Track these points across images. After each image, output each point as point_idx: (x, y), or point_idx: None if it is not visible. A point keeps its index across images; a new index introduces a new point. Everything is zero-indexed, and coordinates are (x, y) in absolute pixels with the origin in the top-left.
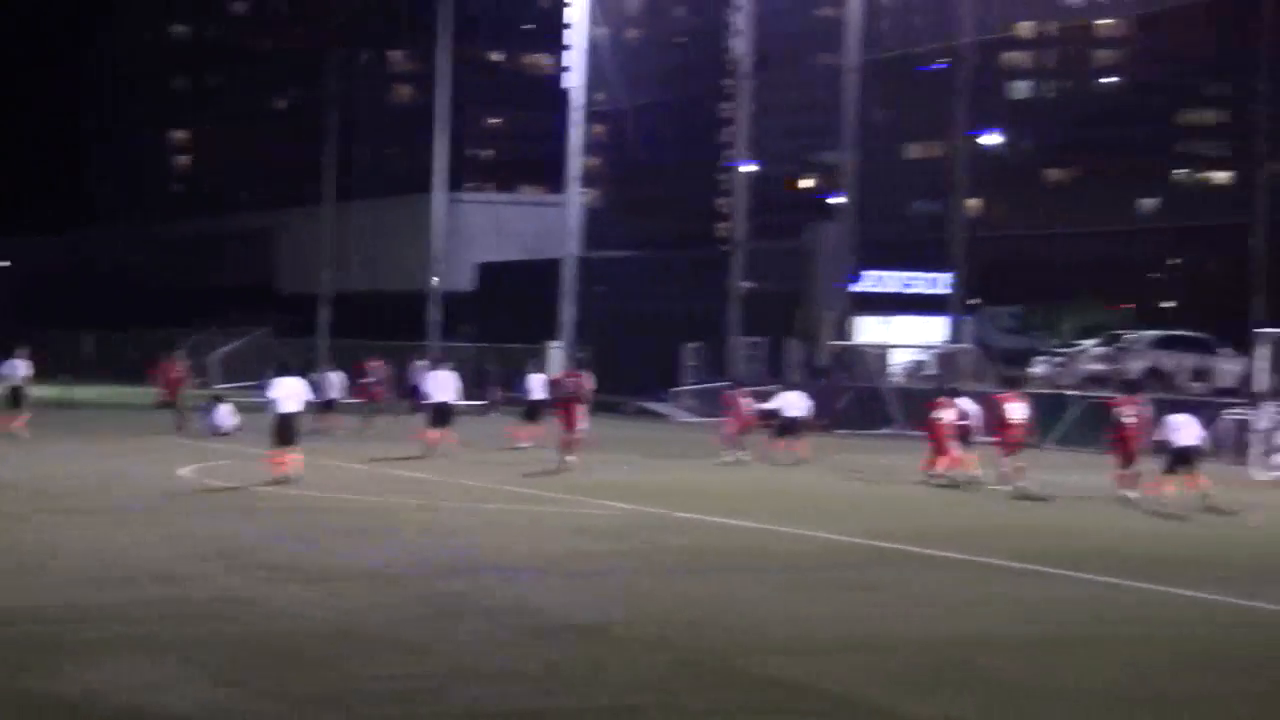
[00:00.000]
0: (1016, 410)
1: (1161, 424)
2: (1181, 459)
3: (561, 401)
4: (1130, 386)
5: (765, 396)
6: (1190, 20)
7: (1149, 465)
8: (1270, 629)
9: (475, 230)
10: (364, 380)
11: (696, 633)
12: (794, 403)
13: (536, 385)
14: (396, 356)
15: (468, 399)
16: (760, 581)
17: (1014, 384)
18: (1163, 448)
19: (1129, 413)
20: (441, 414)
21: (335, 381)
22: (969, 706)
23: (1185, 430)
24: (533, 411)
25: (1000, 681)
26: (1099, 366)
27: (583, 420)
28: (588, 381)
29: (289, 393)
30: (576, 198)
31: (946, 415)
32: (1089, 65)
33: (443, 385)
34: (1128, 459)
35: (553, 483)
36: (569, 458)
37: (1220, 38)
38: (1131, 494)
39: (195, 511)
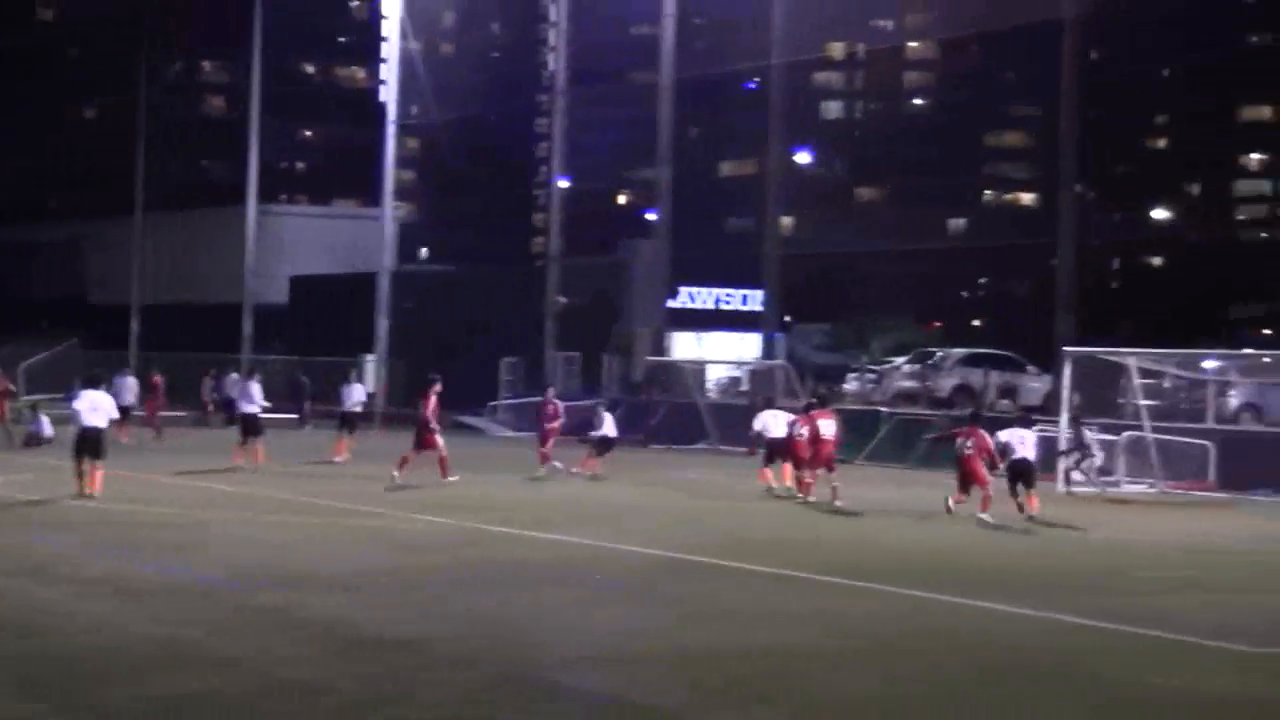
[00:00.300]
0: (828, 427)
1: (1000, 441)
2: (1020, 473)
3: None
4: (973, 418)
5: (591, 414)
6: (997, 44)
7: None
8: (1072, 638)
9: (289, 243)
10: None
11: (513, 646)
12: (610, 423)
13: (354, 397)
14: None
15: (282, 412)
16: (576, 595)
17: (825, 401)
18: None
19: (968, 443)
20: (250, 425)
21: (129, 386)
22: (779, 718)
23: (1023, 445)
24: (350, 424)
25: (808, 693)
26: (910, 383)
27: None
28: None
29: (92, 405)
30: (391, 211)
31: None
32: (899, 87)
33: (251, 397)
34: (970, 485)
35: (369, 496)
36: (442, 476)
37: (1026, 61)
38: (986, 517)
39: (2, 525)
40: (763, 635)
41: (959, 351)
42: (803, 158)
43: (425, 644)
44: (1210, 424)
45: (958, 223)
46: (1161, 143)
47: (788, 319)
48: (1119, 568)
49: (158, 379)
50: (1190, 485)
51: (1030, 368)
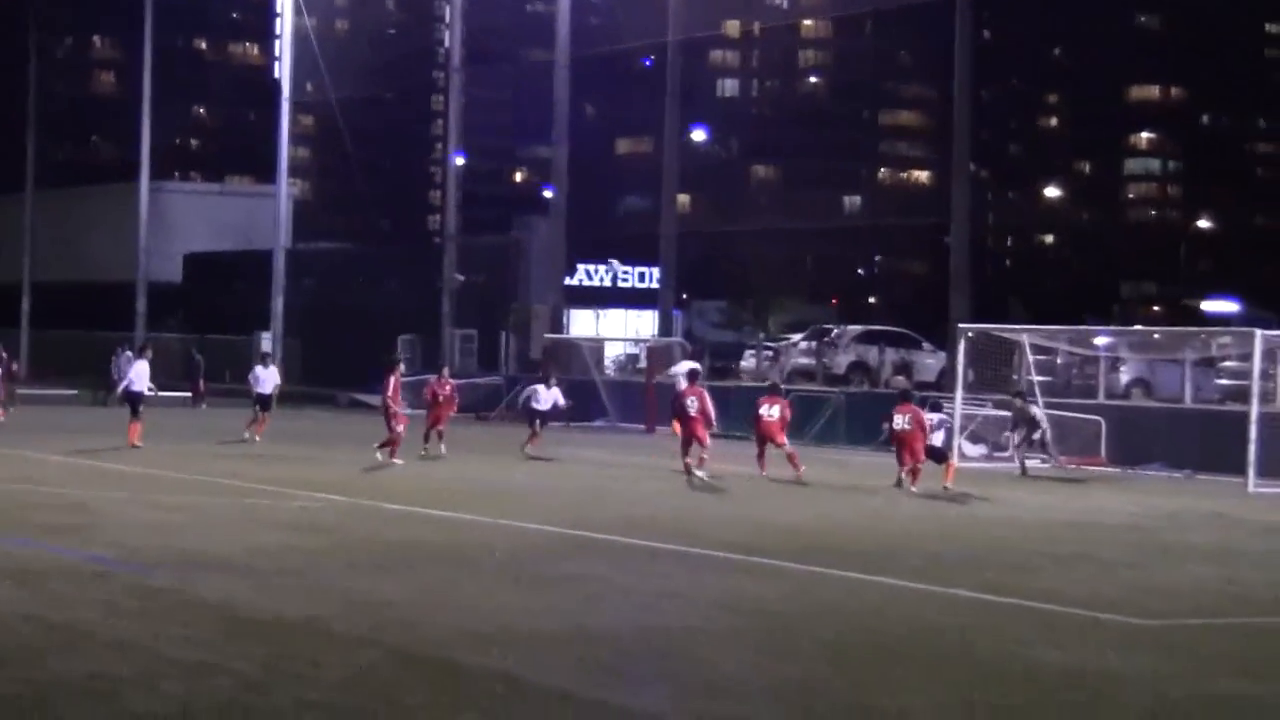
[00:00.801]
0: (772, 410)
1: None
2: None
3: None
4: (904, 395)
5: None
6: (892, 23)
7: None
8: (966, 613)
9: (183, 221)
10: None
11: (412, 625)
12: (546, 397)
13: (265, 379)
14: (103, 347)
15: (177, 390)
16: (474, 574)
17: (774, 387)
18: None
19: (906, 419)
20: (134, 403)
21: None
22: (676, 697)
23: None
24: (264, 404)
25: (704, 673)
26: (806, 360)
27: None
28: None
29: None
30: (285, 189)
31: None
32: (795, 65)
33: (140, 375)
34: (908, 459)
35: (264, 475)
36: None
37: (920, 41)
38: (913, 487)
39: None
40: (662, 614)
41: (855, 328)
42: (698, 136)
43: (323, 624)
44: (1101, 400)
45: (853, 201)
46: (1053, 122)
47: (685, 296)
48: (1011, 542)
49: (3, 353)
50: (1082, 460)
51: (925, 345)
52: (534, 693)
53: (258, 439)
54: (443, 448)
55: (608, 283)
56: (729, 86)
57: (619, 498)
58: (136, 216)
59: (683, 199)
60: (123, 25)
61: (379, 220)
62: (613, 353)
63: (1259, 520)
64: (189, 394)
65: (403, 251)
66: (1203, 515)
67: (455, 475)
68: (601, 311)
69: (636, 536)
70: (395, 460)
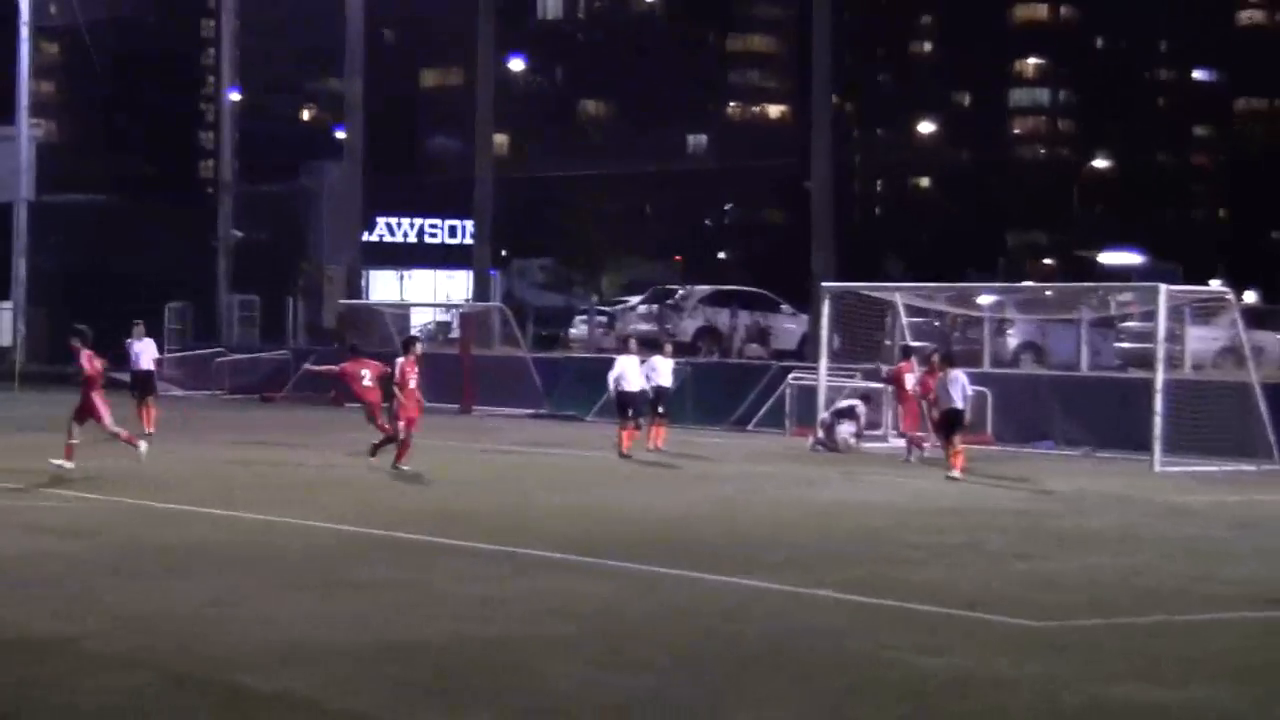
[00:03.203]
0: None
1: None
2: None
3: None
4: (905, 352)
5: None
6: None
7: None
8: (833, 615)
9: None
10: None
11: (189, 644)
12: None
13: (142, 352)
14: None
15: None
16: (263, 581)
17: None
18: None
19: (909, 379)
20: None
21: None
22: (502, 719)
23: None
24: (145, 386)
25: (533, 690)
26: (646, 326)
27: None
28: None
29: None
30: (27, 131)
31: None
32: None
33: None
34: (912, 425)
35: (5, 468)
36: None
37: None
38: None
39: None
40: (484, 623)
41: (703, 289)
42: (517, 66)
43: (81, 642)
44: (986, 368)
45: (698, 140)
46: (926, 47)
47: (504, 254)
48: (884, 533)
49: None
50: (963, 439)
51: (784, 307)
52: (328, 718)
53: (150, 432)
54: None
55: (413, 239)
56: (551, 6)
57: (432, 490)
58: None
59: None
60: None
61: (141, 167)
62: (420, 321)
63: (1165, 503)
64: None
65: (170, 204)
66: (1103, 498)
67: (238, 465)
68: (406, 272)
69: (454, 535)
70: (403, 466)
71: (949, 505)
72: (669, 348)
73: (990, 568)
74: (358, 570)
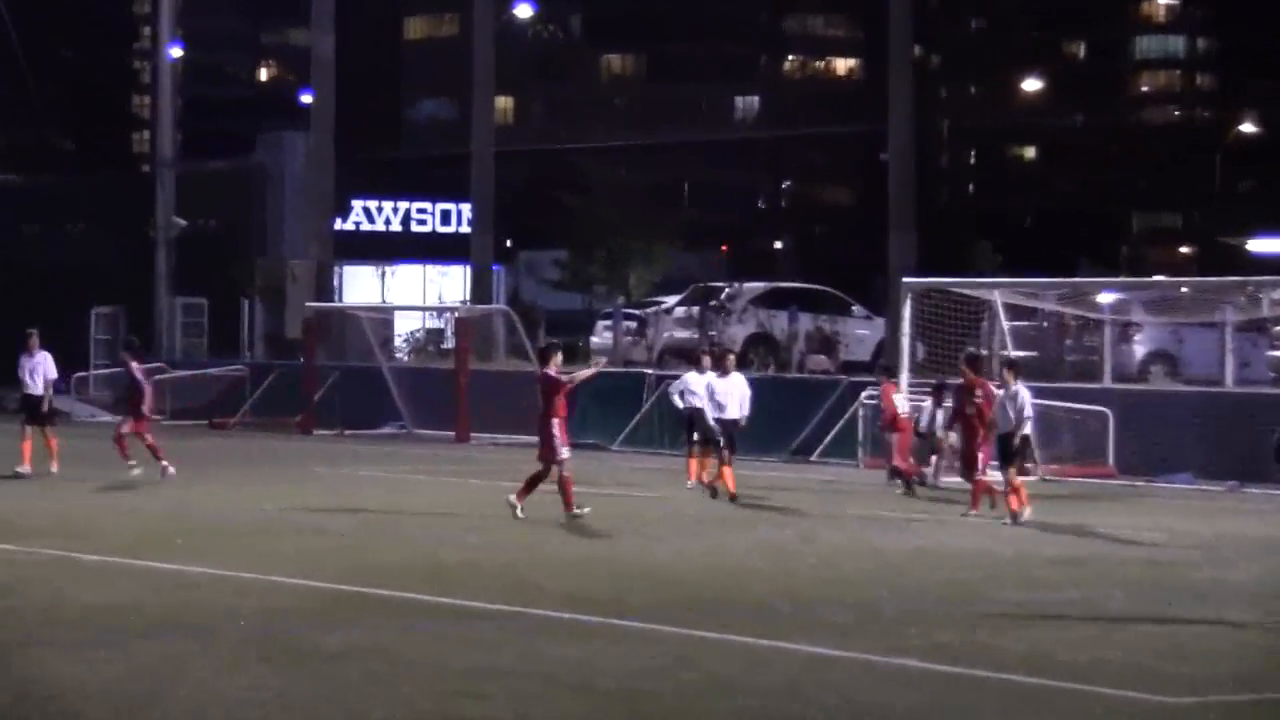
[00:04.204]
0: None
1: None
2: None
3: None
4: (974, 363)
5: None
6: None
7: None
8: (917, 688)
9: None
10: None
11: None
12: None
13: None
14: None
15: None
16: (209, 650)
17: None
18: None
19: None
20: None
21: None
22: None
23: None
24: (34, 412)
25: None
26: (686, 333)
27: None
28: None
29: None
30: None
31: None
32: None
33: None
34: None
35: None
36: None
37: None
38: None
39: None
40: (479, 701)
41: (754, 287)
42: (524, 12)
43: None
44: (1107, 382)
45: (748, 103)
46: None
47: (509, 245)
48: (977, 588)
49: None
50: (1079, 469)
51: (855, 308)
52: None
53: (53, 470)
54: (133, 465)
55: (397, 226)
56: None
57: (419, 537)
58: None
59: (503, 104)
60: None
61: (60, 140)
62: (406, 328)
63: None
64: None
65: (97, 185)
66: (1250, 544)
67: (180, 509)
68: (389, 268)
69: (443, 591)
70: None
71: (1058, 554)
72: (731, 358)
73: (1109, 631)
74: (324, 636)
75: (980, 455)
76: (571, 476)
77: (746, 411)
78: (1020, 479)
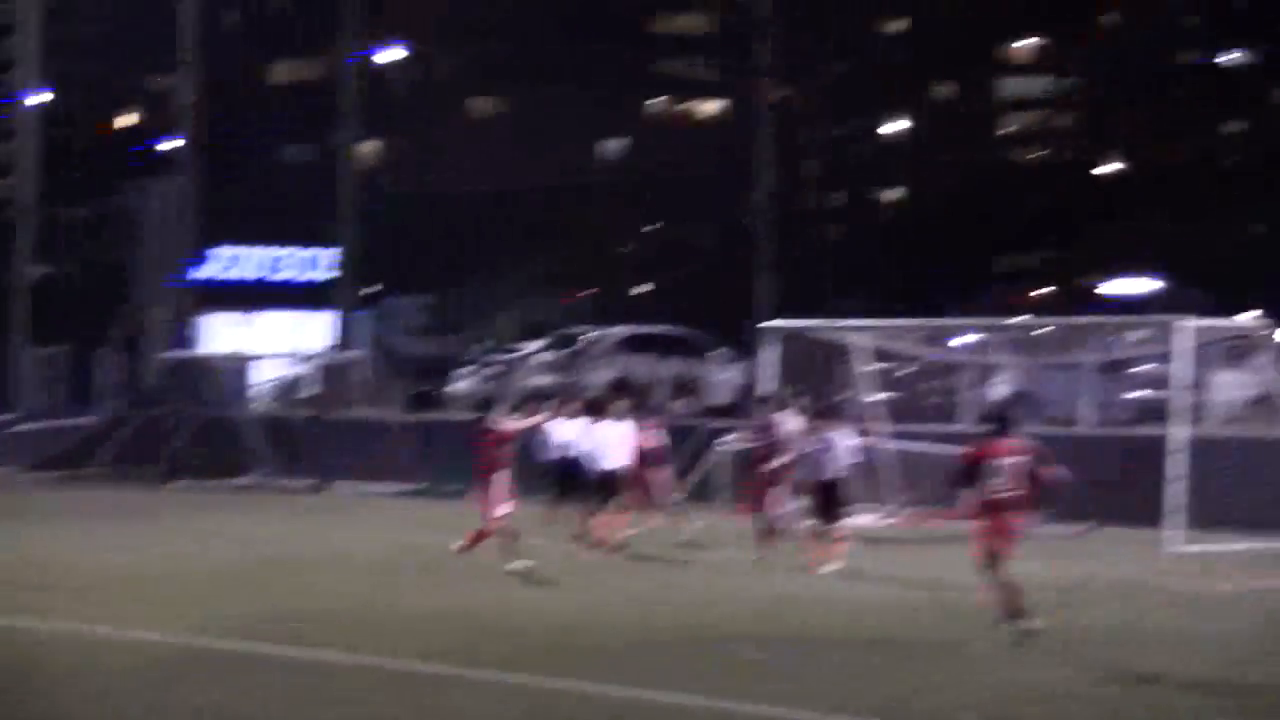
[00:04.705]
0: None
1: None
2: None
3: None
4: (763, 404)
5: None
6: None
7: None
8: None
9: None
10: None
11: None
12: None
13: None
14: None
15: None
16: (53, 711)
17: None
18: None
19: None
20: None
21: None
22: None
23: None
24: None
25: None
26: (549, 378)
27: None
28: None
29: None
30: None
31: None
32: None
33: None
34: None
35: None
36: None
37: None
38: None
39: None
40: None
41: (618, 331)
42: (390, 56)
43: None
44: (968, 424)
45: (614, 145)
46: (901, 24)
47: (373, 290)
48: (837, 633)
49: None
50: (941, 514)
51: (719, 352)
52: None
53: None
54: None
55: (261, 273)
56: None
57: (279, 588)
58: None
59: (368, 148)
60: None
61: None
62: (268, 375)
63: (1184, 591)
64: None
65: None
66: (1106, 586)
67: (31, 560)
68: (252, 315)
69: (302, 643)
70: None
71: (921, 599)
72: (614, 405)
73: (964, 672)
74: (175, 689)
75: (774, 497)
76: (501, 530)
77: (629, 460)
78: (833, 529)
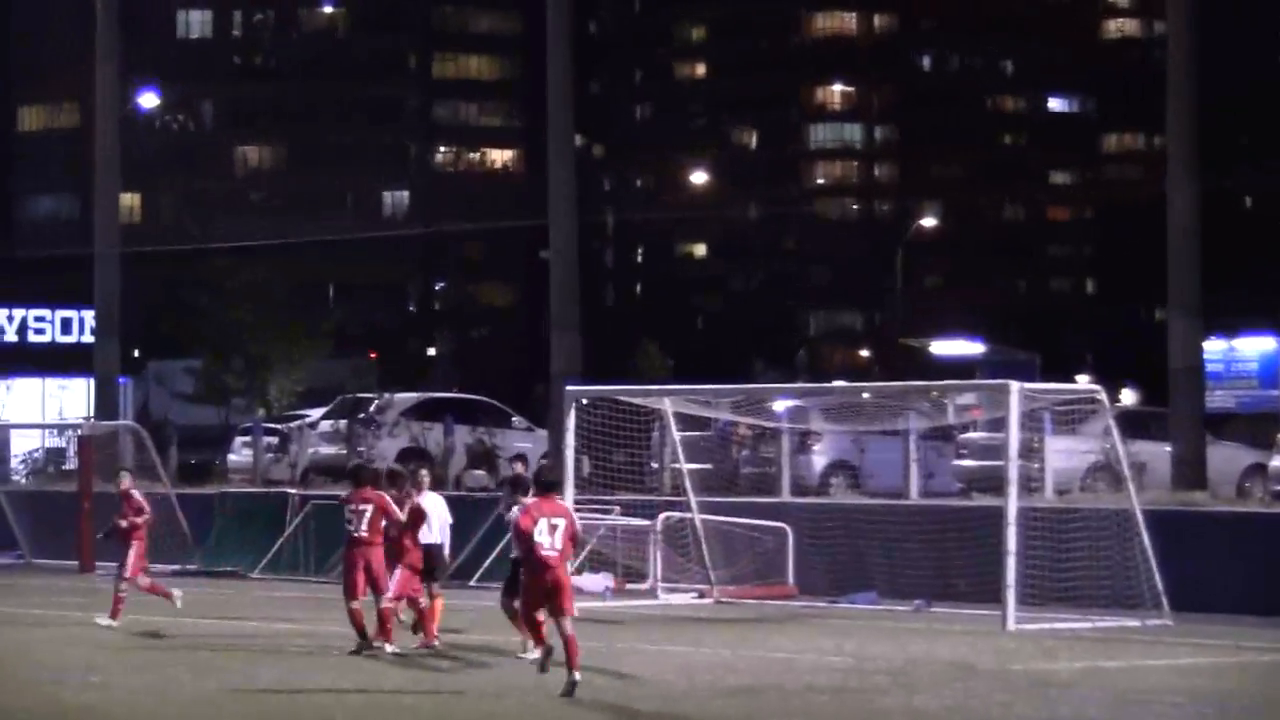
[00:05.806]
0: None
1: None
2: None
3: None
4: (355, 475)
5: None
6: None
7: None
8: None
9: None
10: None
11: None
12: None
13: None
14: None
15: None
16: None
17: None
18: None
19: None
20: None
21: None
22: None
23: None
24: None
25: None
26: (333, 449)
27: None
28: None
29: None
30: None
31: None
32: None
33: None
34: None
35: None
36: None
37: None
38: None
39: None
40: None
41: (407, 397)
42: (149, 101)
43: None
44: (786, 496)
45: (398, 197)
46: (699, 68)
47: (137, 355)
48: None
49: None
50: (758, 590)
51: (516, 419)
52: None
53: None
54: None
55: (12, 336)
56: (197, 23)
57: (36, 678)
58: None
59: (129, 200)
60: None
61: None
62: (23, 448)
63: (1023, 672)
64: None
65: None
66: (941, 668)
67: None
68: (3, 382)
69: None
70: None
71: (737, 684)
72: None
73: None
74: None
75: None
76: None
77: (448, 537)
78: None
